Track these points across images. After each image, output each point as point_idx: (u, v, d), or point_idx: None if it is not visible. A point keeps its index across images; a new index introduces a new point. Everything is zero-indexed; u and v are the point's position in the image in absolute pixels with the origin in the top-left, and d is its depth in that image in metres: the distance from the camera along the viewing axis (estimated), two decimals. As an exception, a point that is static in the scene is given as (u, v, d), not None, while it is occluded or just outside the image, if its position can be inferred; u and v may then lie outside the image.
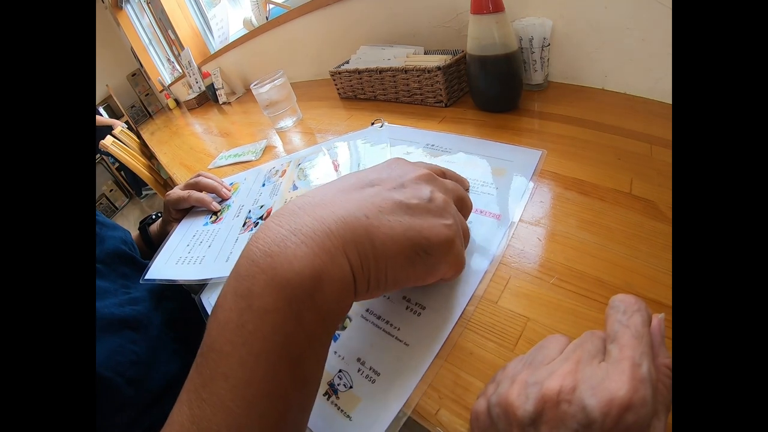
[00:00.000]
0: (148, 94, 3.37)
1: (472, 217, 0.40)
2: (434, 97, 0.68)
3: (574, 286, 0.31)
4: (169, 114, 2.57)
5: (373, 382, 0.29)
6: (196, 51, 2.06)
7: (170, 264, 0.51)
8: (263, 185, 0.63)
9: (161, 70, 3.14)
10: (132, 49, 3.06)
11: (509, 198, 0.41)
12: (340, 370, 0.31)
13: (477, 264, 0.35)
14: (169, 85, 2.80)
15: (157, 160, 1.46)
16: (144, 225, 0.68)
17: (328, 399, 0.30)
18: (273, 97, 0.79)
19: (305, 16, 1.13)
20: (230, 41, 1.72)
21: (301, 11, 1.12)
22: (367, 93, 0.82)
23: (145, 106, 3.37)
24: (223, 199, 0.63)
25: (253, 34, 1.43)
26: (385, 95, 0.78)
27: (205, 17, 2.08)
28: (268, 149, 0.80)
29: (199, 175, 0.64)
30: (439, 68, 0.64)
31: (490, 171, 0.47)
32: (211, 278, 0.45)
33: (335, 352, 0.32)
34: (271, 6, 1.37)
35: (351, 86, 0.84)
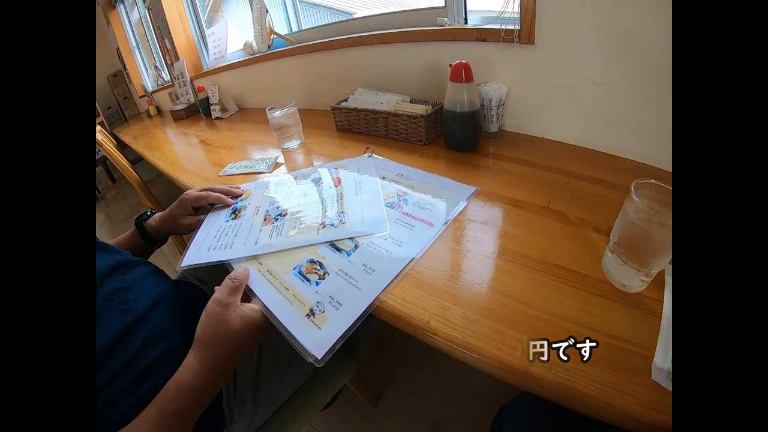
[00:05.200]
0: (126, 97, 3.34)
1: (415, 223, 0.59)
2: (416, 137, 0.88)
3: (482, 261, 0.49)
4: (147, 121, 2.56)
5: (337, 309, 0.46)
6: (189, 64, 2.13)
7: (203, 251, 0.64)
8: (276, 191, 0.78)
9: (144, 75, 3.14)
10: (118, 50, 3.03)
11: (443, 214, 0.60)
12: (318, 302, 0.47)
13: (411, 249, 0.53)
14: (153, 92, 2.83)
15: (148, 162, 1.52)
16: (140, 221, 0.76)
17: (308, 318, 0.45)
18: (284, 122, 0.95)
19: (309, 54, 1.29)
20: (227, 61, 1.84)
21: (306, 49, 1.29)
22: (362, 128, 1.00)
23: (122, 109, 3.34)
24: (235, 197, 0.77)
25: (254, 60, 1.56)
26: (376, 131, 0.97)
27: (203, 33, 2.17)
28: (276, 165, 0.95)
29: (211, 186, 0.77)
30: (422, 116, 0.84)
31: (436, 195, 0.66)
32: (243, 256, 0.59)
33: (317, 292, 0.48)
34: (274, 37, 1.52)
35: (348, 120, 1.02)
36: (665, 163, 0.67)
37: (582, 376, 0.36)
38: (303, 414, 0.72)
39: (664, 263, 0.41)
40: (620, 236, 0.43)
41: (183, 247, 1.90)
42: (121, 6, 2.90)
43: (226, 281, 0.49)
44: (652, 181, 0.42)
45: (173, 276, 0.76)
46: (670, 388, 0.34)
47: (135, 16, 2.85)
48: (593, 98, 0.74)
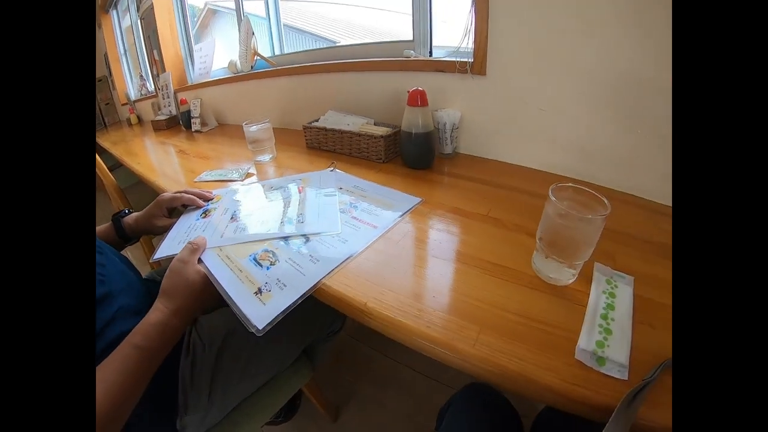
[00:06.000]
0: (108, 103, 3.34)
1: (361, 226, 0.67)
2: (376, 155, 0.98)
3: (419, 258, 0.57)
4: (127, 129, 2.55)
5: (282, 289, 0.53)
6: (175, 77, 2.18)
7: (173, 245, 0.71)
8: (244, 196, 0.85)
9: (129, 83, 3.15)
10: (106, 55, 3.04)
11: (387, 219, 0.69)
12: (266, 283, 0.54)
13: (354, 246, 0.61)
14: (136, 101, 2.86)
15: (126, 166, 1.55)
16: (117, 218, 0.80)
17: (255, 295, 0.52)
18: (258, 137, 1.03)
19: (288, 77, 1.39)
20: (212, 77, 1.92)
21: (285, 72, 1.39)
22: (329, 146, 1.09)
23: (102, 115, 3.34)
24: (207, 200, 0.84)
25: (236, 78, 1.64)
26: (342, 149, 1.06)
27: (191, 48, 2.23)
28: (247, 175, 1.02)
29: (185, 189, 0.84)
30: (381, 137, 0.94)
31: (383, 204, 0.75)
32: (209, 247, 0.65)
33: (266, 275, 0.56)
34: (258, 58, 1.61)
35: (317, 139, 1.12)
36: (602, 179, 0.77)
37: (504, 352, 0.40)
38: (256, 416, 0.75)
39: (584, 255, 0.47)
40: (543, 233, 0.49)
41: (149, 253, 1.91)
42: (114, 12, 2.91)
43: (187, 245, 0.61)
44: (569, 184, 0.48)
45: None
46: (594, 366, 0.37)
47: (126, 23, 2.84)
48: (536, 123, 0.84)
